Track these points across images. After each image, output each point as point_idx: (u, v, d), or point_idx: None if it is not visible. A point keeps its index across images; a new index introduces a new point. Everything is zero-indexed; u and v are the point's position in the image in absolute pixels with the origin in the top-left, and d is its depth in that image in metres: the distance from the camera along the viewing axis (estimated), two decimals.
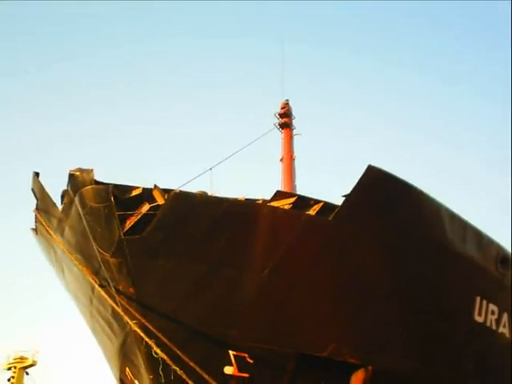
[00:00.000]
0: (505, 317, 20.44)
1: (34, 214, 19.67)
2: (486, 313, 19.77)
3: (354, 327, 17.78)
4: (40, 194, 19.09)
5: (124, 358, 18.85)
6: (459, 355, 19.25)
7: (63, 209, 18.20)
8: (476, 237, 20.01)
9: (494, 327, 20.10)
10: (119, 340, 18.47)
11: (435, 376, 18.54)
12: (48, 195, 18.91)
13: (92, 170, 17.11)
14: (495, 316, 20.08)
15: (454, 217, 19.24)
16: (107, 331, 19.35)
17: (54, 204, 18.69)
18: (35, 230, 20.63)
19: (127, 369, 18.98)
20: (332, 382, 17.65)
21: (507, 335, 20.62)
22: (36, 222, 19.95)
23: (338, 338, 17.46)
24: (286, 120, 32.34)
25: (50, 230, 18.49)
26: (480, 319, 19.65)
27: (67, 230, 18.16)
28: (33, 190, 19.31)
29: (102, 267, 17.06)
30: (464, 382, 19.22)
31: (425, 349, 18.48)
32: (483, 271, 20.03)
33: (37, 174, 18.97)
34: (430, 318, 18.58)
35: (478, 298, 19.62)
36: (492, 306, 19.95)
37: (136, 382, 18.70)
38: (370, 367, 17.65)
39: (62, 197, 18.87)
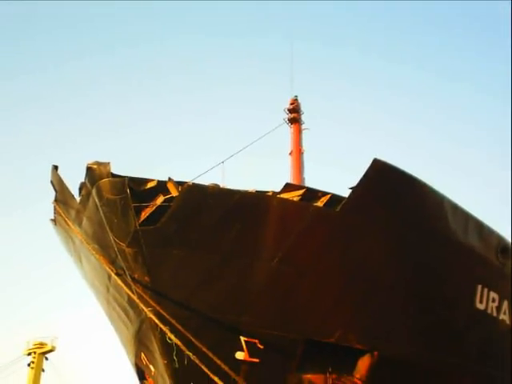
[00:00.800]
0: (505, 304, 20.20)
1: (52, 205, 19.61)
2: (486, 300, 19.54)
3: (360, 314, 17.59)
4: (59, 186, 19.02)
5: (139, 344, 18.76)
6: (461, 341, 19.06)
7: (81, 200, 18.12)
8: (477, 227, 19.79)
9: (494, 314, 19.85)
10: (135, 326, 18.36)
11: (438, 361, 18.33)
12: (66, 187, 18.83)
13: (109, 163, 17.02)
14: (496, 303, 19.86)
15: (456, 208, 19.03)
16: (123, 318, 19.25)
17: (72, 196, 18.62)
18: (54, 221, 20.56)
19: (142, 354, 18.92)
20: (339, 367, 17.52)
21: (507, 322, 20.39)
22: (55, 213, 19.91)
23: (344, 325, 17.31)
24: (294, 115, 32.11)
25: (68, 221, 18.42)
26: (481, 306, 19.43)
27: (85, 221, 18.05)
28: (52, 182, 19.23)
29: (119, 256, 16.96)
30: (466, 367, 19.04)
31: (428, 335, 18.31)
32: (484, 260, 19.79)
33: (55, 167, 18.89)
34: (433, 306, 18.39)
35: (480, 286, 19.38)
36: (493, 294, 19.71)
37: (151, 366, 18.64)
38: (375, 352, 17.47)
39: (80, 189, 18.79)
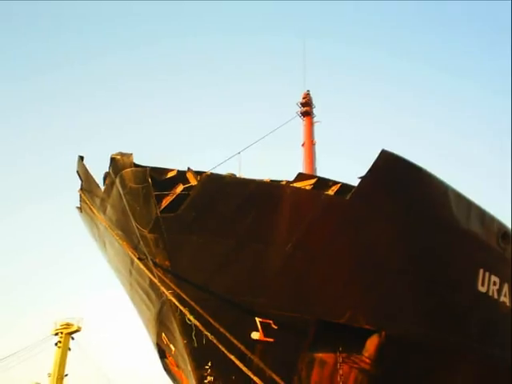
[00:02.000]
0: (505, 287, 19.84)
1: (78, 194, 19.40)
2: (488, 283, 19.19)
3: (368, 296, 17.29)
4: (84, 175, 18.78)
5: (160, 325, 18.54)
6: (464, 322, 18.73)
7: (105, 189, 17.85)
8: (479, 215, 19.45)
9: (495, 297, 19.51)
10: (156, 308, 18.14)
11: (442, 340, 18.03)
12: (92, 177, 18.58)
13: (131, 154, 16.74)
14: (497, 286, 19.51)
15: (459, 197, 18.70)
16: (145, 300, 19.03)
17: (97, 185, 18.37)
18: (80, 209, 20.35)
19: (163, 334, 18.71)
20: (349, 347, 17.25)
21: (507, 304, 20.05)
22: (81, 201, 19.65)
23: (354, 306, 17.03)
24: (307, 109, 31.88)
25: (93, 209, 18.17)
26: (483, 289, 19.08)
27: (109, 209, 17.80)
28: (78, 172, 18.99)
29: (141, 242, 16.73)
30: (468, 347, 18.74)
31: (433, 316, 17.99)
32: (486, 246, 19.46)
33: (81, 158, 18.66)
34: (437, 289, 18.06)
35: (481, 270, 19.02)
36: (494, 278, 19.36)
37: (171, 345, 18.45)
38: (383, 332, 17.17)
39: (105, 178, 18.56)
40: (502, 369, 19.61)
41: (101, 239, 20.13)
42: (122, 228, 17.42)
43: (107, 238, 19.00)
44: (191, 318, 15.09)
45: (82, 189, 19.15)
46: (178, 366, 19.93)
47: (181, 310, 15.76)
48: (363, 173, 16.83)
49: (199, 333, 15.61)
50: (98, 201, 18.34)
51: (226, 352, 14.54)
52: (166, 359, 20.96)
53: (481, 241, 19.28)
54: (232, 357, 14.67)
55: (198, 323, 14.92)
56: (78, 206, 20.34)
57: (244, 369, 14.57)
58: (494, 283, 19.41)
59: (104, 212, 18.10)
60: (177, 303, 15.44)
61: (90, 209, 18.35)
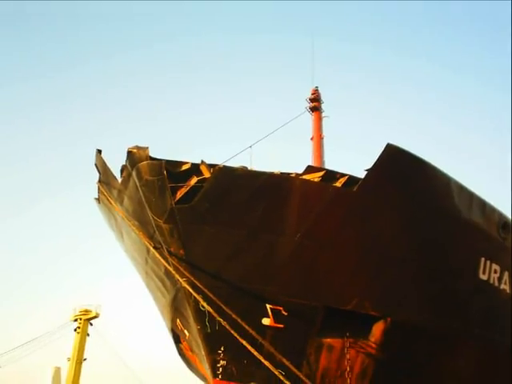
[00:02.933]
0: (506, 275, 19.49)
1: (96, 186, 19.31)
2: (489, 272, 18.87)
3: (374, 284, 17.05)
4: (102, 168, 18.67)
5: (175, 311, 18.44)
6: (466, 308, 18.43)
7: (122, 181, 17.76)
8: (480, 205, 19.13)
9: (496, 284, 19.20)
10: (171, 295, 18.03)
11: (444, 326, 17.79)
12: (109, 169, 18.47)
13: (147, 147, 16.68)
14: (497, 274, 19.19)
15: (461, 188, 18.41)
16: (160, 287, 18.92)
17: (115, 177, 18.28)
18: (98, 200, 20.26)
19: (178, 320, 18.59)
20: (356, 332, 17.05)
21: (507, 291, 19.75)
22: (99, 192, 19.55)
23: (360, 293, 16.83)
24: (315, 104, 31.68)
25: (110, 200, 18.09)
26: (484, 277, 18.76)
27: (126, 200, 17.71)
28: (96, 165, 18.90)
29: (156, 232, 16.65)
30: (469, 332, 18.50)
31: (436, 302, 17.73)
32: (487, 235, 19.12)
33: (99, 151, 18.57)
34: (440, 276, 17.75)
35: (483, 259, 18.70)
36: (495, 266, 19.03)
37: (185, 331, 18.33)
38: (388, 319, 16.96)
39: (121, 171, 18.49)
40: (502, 353, 19.34)
41: (118, 229, 20.01)
42: (139, 218, 17.32)
43: (124, 228, 18.89)
44: (204, 304, 15.13)
45: (99, 181, 19.06)
46: (191, 351, 19.82)
47: (195, 297, 15.70)
48: (369, 165, 16.63)
49: (212, 319, 15.60)
50: (115, 192, 18.25)
51: (238, 337, 14.48)
52: (180, 344, 20.82)
53: (482, 230, 18.95)
54: (244, 342, 14.62)
55: (211, 309, 14.89)
56: (96, 197, 20.21)
57: (255, 353, 14.52)
58: (495, 271, 19.11)
59: (121, 203, 18.02)
60: (191, 290, 15.40)
61: (108, 200, 18.24)
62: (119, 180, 18.09)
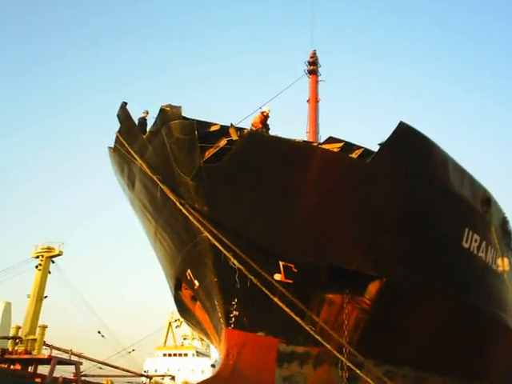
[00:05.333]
0: (483, 244, 22.53)
1: (115, 135, 20.22)
2: (471, 241, 21.73)
3: (375, 247, 19.41)
4: (126, 120, 19.66)
5: (187, 262, 20.13)
6: (449, 272, 21.19)
7: (148, 136, 18.84)
8: (470, 182, 21.91)
9: (475, 252, 22.21)
10: (186, 248, 19.62)
11: (431, 287, 20.46)
12: (134, 122, 19.57)
13: (180, 106, 17.73)
14: (477, 243, 22.07)
15: (455, 165, 21.09)
16: (173, 239, 20.49)
17: (139, 131, 19.35)
18: (113, 149, 21.27)
19: (189, 270, 20.31)
20: (354, 290, 19.56)
21: (483, 258, 22.88)
22: (116, 142, 20.49)
23: (363, 255, 19.22)
24: (313, 67, 33.35)
25: (132, 151, 19.05)
26: (466, 245, 21.66)
27: (149, 154, 18.81)
28: (118, 116, 19.83)
29: (181, 187, 18.06)
30: (451, 293, 21.13)
31: (424, 266, 20.31)
32: (472, 208, 22.02)
33: (125, 104, 19.51)
34: (431, 243, 20.41)
35: (467, 229, 21.58)
36: (476, 236, 21.92)
37: (195, 281, 20.12)
38: (384, 279, 19.48)
39: (139, 124, 19.73)
40: (476, 313, 22.44)
41: (129, 179, 21.14)
42: (161, 173, 18.41)
43: (140, 179, 20.05)
44: (235, 262, 16.81)
45: (119, 131, 20.01)
46: (192, 298, 21.82)
47: (215, 251, 17.46)
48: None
49: (232, 273, 17.45)
50: (136, 145, 19.25)
51: (268, 293, 16.42)
52: (179, 291, 22.73)
53: (469, 204, 21.81)
54: (267, 292, 16.49)
55: (242, 267, 16.68)
56: (111, 146, 21.22)
57: (274, 299, 16.50)
58: (476, 240, 21.99)
59: (141, 156, 19.01)
60: (219, 245, 16.95)
61: (128, 151, 19.18)
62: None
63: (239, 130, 18.12)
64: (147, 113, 20.07)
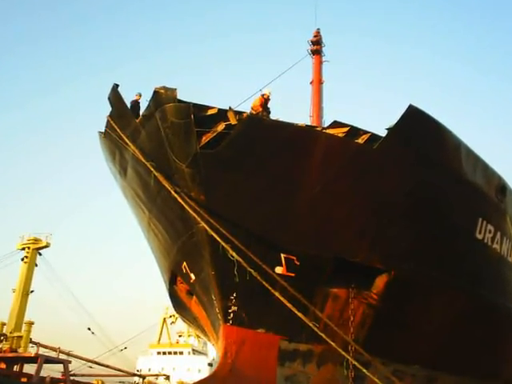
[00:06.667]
0: (498, 235, 22.58)
1: (106, 119, 20.10)
2: (484, 231, 21.78)
3: (383, 238, 19.52)
4: (117, 103, 19.57)
5: (183, 254, 20.19)
6: (461, 265, 21.29)
7: (140, 120, 18.81)
8: (483, 169, 21.91)
9: (489, 243, 22.26)
10: (182, 239, 19.67)
11: (441, 280, 20.54)
12: (126, 106, 19.51)
13: (176, 89, 17.63)
14: (491, 234, 22.11)
15: (469, 151, 21.08)
16: (167, 229, 20.56)
17: (131, 115, 19.29)
18: (103, 134, 21.19)
19: (184, 263, 20.34)
20: (360, 283, 19.62)
21: (498, 250, 22.93)
22: (107, 126, 20.40)
23: (369, 247, 19.29)
24: (317, 47, 33.29)
25: (123, 136, 18.95)
26: (480, 236, 21.70)
27: (142, 139, 18.79)
28: (109, 98, 19.74)
29: (175, 175, 18.01)
30: (463, 287, 21.29)
31: (435, 258, 20.43)
32: (486, 197, 22.04)
33: (117, 85, 19.39)
34: (442, 234, 20.47)
35: (480, 219, 21.60)
36: (490, 226, 21.95)
37: (192, 274, 20.17)
38: (392, 272, 19.56)
39: (132, 108, 19.68)
40: (490, 308, 22.53)
41: (121, 166, 21.15)
42: (155, 159, 18.36)
43: (133, 166, 20.04)
44: (234, 254, 16.79)
45: (110, 115, 19.90)
46: (188, 293, 21.91)
47: (213, 242, 17.43)
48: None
49: (234, 268, 17.46)
50: (128, 130, 19.17)
51: (269, 287, 16.46)
52: (174, 286, 22.81)
53: (482, 192, 21.83)
54: (268, 286, 16.47)
55: (241, 260, 16.67)
56: (102, 131, 21.16)
57: (275, 293, 16.51)
58: (490, 231, 22.04)
59: (134, 141, 18.92)
60: (216, 236, 16.90)
61: (120, 136, 19.08)
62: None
63: (238, 113, 18.12)
64: (140, 95, 20.01)
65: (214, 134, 17.86)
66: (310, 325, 17.05)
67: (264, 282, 16.64)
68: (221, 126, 17.98)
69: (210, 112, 18.23)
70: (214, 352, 59.04)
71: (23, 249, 40.45)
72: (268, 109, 19.94)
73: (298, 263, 18.67)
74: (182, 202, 17.50)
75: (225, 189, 17.99)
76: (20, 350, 37.96)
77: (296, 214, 18.54)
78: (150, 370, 69.84)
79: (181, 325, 76.41)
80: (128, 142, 18.84)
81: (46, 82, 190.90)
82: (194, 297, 21.33)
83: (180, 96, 17.74)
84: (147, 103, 18.38)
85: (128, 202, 23.41)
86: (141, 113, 19.24)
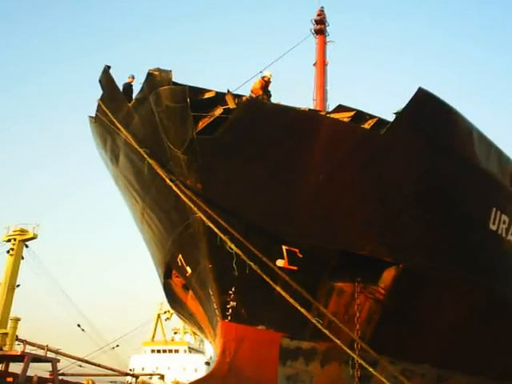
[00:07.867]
0: None
1: (97, 103, 20.01)
2: (498, 222, 21.78)
3: (391, 229, 19.51)
4: (109, 86, 19.47)
5: (178, 246, 20.18)
6: (474, 257, 21.34)
7: (133, 104, 18.70)
8: (497, 155, 21.91)
9: (503, 235, 22.29)
10: (177, 230, 19.65)
11: (452, 273, 20.61)
12: (118, 89, 19.39)
13: (171, 71, 17.54)
14: (505, 225, 22.14)
15: (481, 137, 21.05)
16: (163, 220, 20.54)
17: (124, 98, 19.19)
18: (94, 118, 21.07)
19: (180, 256, 20.36)
20: (366, 278, 19.64)
21: None
22: (98, 111, 20.27)
23: (377, 239, 19.31)
24: (320, 27, 33.17)
25: (115, 121, 18.83)
26: (493, 228, 21.71)
27: (135, 124, 18.72)
28: (100, 81, 19.64)
29: (171, 162, 17.98)
30: (476, 280, 21.30)
31: (446, 251, 20.46)
32: (500, 186, 22.04)
33: (108, 67, 19.27)
34: (453, 225, 20.51)
35: (494, 209, 21.59)
36: (504, 217, 21.98)
37: (187, 267, 20.18)
38: (401, 265, 19.58)
39: (124, 91, 19.59)
40: (505, 304, 22.58)
41: (113, 153, 21.09)
42: (149, 145, 18.28)
43: (125, 153, 19.98)
44: (232, 246, 16.80)
45: (101, 99, 19.78)
46: (184, 287, 21.93)
47: (209, 233, 17.45)
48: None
49: (232, 260, 17.44)
50: (120, 114, 19.07)
51: (268, 279, 16.51)
52: (169, 280, 22.84)
53: (496, 181, 21.85)
54: (269, 280, 16.50)
55: (240, 252, 16.70)
56: (92, 115, 21.03)
57: (277, 287, 16.59)
58: (504, 222, 22.07)
59: (126, 126, 18.82)
60: (213, 227, 16.91)
61: (112, 121, 18.98)
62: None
63: (237, 97, 18.10)
64: (133, 78, 19.93)
65: (212, 118, 17.81)
66: (314, 321, 17.02)
67: (264, 276, 16.68)
68: (219, 111, 17.93)
69: (207, 95, 18.20)
70: (211, 350, 59.20)
71: (9, 240, 40.43)
72: (269, 92, 19.88)
73: (301, 256, 18.66)
74: (178, 191, 17.45)
75: (223, 177, 17.95)
76: (5, 348, 38.06)
77: (298, 204, 18.51)
78: (143, 369, 70.00)
79: (176, 321, 76.75)
80: (120, 127, 18.74)
81: (33, 64, 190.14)
82: (190, 291, 21.31)
83: (175, 78, 17.67)
84: (140, 86, 18.23)
85: (120, 190, 23.39)
86: (134, 96, 19.05)
